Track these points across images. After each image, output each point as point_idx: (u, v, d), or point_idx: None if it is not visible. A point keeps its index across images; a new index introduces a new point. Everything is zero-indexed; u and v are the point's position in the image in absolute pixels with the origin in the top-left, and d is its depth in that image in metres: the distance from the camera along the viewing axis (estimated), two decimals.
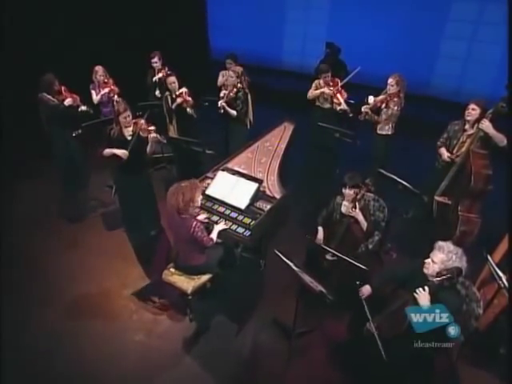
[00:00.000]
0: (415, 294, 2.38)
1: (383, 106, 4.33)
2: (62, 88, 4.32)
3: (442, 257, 2.38)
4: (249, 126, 4.79)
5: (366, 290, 2.81)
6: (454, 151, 3.77)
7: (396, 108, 4.28)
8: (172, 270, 3.20)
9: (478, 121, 3.52)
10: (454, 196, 3.76)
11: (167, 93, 4.47)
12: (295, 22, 7.60)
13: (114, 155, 3.52)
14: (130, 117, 3.54)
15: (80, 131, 4.26)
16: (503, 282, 2.67)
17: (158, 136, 3.58)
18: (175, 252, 3.17)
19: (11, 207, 4.54)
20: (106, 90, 4.69)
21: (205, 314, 3.40)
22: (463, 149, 3.66)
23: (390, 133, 4.42)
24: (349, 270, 3.13)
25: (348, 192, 3.20)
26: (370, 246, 3.56)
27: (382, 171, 3.60)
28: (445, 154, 3.77)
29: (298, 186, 5.04)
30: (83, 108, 4.35)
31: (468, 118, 3.61)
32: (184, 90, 4.43)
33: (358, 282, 2.87)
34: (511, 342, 2.64)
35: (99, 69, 4.72)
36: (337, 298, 3.20)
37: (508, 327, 2.69)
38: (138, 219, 3.99)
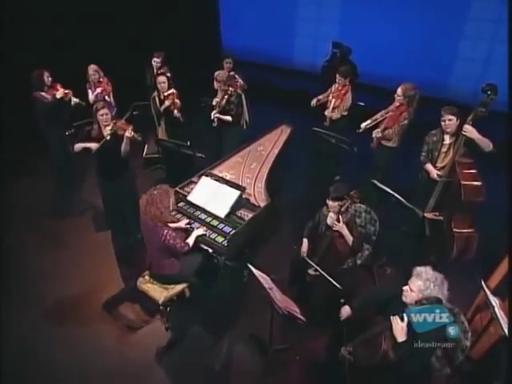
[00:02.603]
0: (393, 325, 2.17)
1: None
2: (54, 84, 4.31)
3: (420, 284, 2.16)
4: (245, 127, 4.63)
5: (346, 311, 2.62)
6: (438, 163, 3.51)
7: (406, 122, 3.95)
8: (147, 277, 3.11)
9: (457, 130, 3.27)
10: (445, 211, 3.49)
11: (155, 93, 4.38)
12: (307, 20, 7.35)
13: (86, 149, 3.47)
14: (109, 115, 3.49)
15: (73, 130, 4.24)
16: (495, 313, 2.41)
17: (134, 134, 3.45)
18: (149, 260, 3.07)
19: (3, 205, 4.55)
20: (99, 90, 4.70)
21: (182, 324, 3.29)
22: (447, 159, 3.40)
23: (395, 145, 4.11)
24: (330, 286, 2.94)
25: (331, 204, 3.00)
26: (359, 262, 3.36)
27: (376, 182, 3.37)
28: (433, 171, 3.50)
29: (297, 192, 4.89)
30: (75, 100, 4.32)
31: (448, 130, 3.35)
32: (173, 91, 4.32)
33: (341, 301, 2.69)
34: (509, 375, 2.38)
35: (90, 68, 4.70)
36: (317, 315, 3.08)
37: (507, 358, 2.44)
38: (124, 222, 3.93)
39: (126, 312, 3.40)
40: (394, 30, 6.52)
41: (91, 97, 4.74)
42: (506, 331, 2.31)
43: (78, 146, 3.48)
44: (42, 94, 4.25)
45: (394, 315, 2.21)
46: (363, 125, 4.13)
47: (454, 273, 3.56)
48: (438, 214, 3.57)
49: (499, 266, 2.84)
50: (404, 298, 2.23)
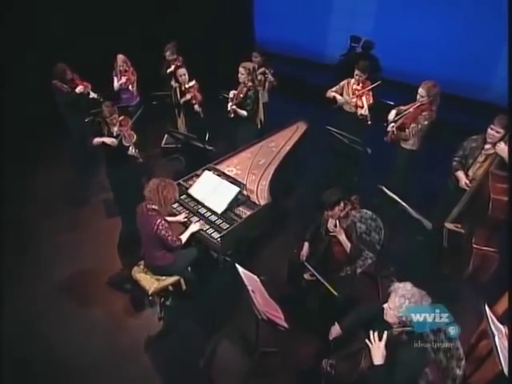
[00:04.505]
0: (370, 343, 2.02)
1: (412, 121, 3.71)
2: (74, 76, 4.48)
3: (396, 301, 1.97)
4: (260, 126, 4.51)
5: (336, 331, 2.47)
6: (470, 172, 3.24)
7: (426, 123, 3.66)
8: (141, 267, 3.14)
9: (500, 140, 2.97)
10: (467, 224, 3.23)
11: (176, 84, 4.39)
12: (342, 13, 7.03)
13: (104, 144, 3.60)
14: (117, 117, 3.63)
15: (92, 117, 4.37)
16: (494, 343, 2.17)
17: (135, 153, 3.64)
18: (143, 249, 3.10)
19: (22, 188, 4.80)
20: (124, 79, 4.81)
21: (175, 316, 3.31)
22: (482, 169, 3.12)
23: (414, 148, 3.84)
24: (325, 293, 2.83)
25: (328, 212, 2.84)
26: (359, 270, 3.20)
27: (383, 188, 3.17)
28: (463, 179, 3.24)
29: (311, 192, 4.73)
30: (93, 95, 4.47)
31: (489, 141, 3.06)
32: (194, 83, 4.32)
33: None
34: None
35: (119, 57, 4.83)
36: (312, 320, 2.97)
37: None
38: (131, 210, 4.00)
39: (122, 297, 3.47)
40: (436, 27, 6.04)
41: (116, 84, 4.88)
42: (504, 366, 2.08)
43: (97, 141, 3.61)
44: (62, 84, 4.44)
45: (374, 332, 2.05)
46: (390, 116, 3.86)
47: (466, 290, 3.36)
48: (459, 225, 3.33)
49: (509, 291, 2.56)
50: (385, 317, 2.06)
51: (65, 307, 3.38)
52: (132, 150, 3.62)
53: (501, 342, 2.21)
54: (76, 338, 3.14)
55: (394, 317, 1.98)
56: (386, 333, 1.98)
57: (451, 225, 3.36)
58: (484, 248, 3.13)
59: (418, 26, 6.22)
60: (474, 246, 3.15)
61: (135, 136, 3.70)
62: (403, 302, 1.94)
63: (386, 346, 1.95)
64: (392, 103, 5.86)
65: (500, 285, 2.83)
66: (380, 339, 1.97)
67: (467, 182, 3.22)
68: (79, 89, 4.44)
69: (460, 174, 3.29)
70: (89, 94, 4.49)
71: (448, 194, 3.53)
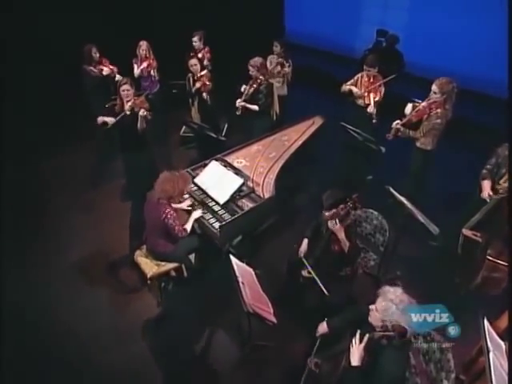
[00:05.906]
0: (351, 345, 1.97)
1: (424, 117, 3.55)
2: (102, 59, 4.63)
3: (383, 305, 1.90)
4: (275, 118, 4.46)
5: (322, 328, 2.47)
6: (501, 181, 3.04)
7: (439, 121, 3.46)
8: (143, 251, 3.22)
9: None
10: (485, 234, 3.05)
11: (190, 74, 4.43)
12: (373, 6, 6.78)
13: (105, 123, 3.65)
14: (130, 91, 3.60)
15: (112, 103, 4.49)
16: (488, 360, 2.04)
17: (147, 113, 3.59)
18: (145, 234, 3.17)
19: (43, 169, 5.04)
20: (145, 64, 4.88)
21: (174, 302, 3.37)
22: None
23: (429, 148, 3.65)
24: (321, 291, 2.78)
25: (327, 214, 2.78)
26: (360, 271, 3.12)
27: (391, 189, 3.05)
28: (487, 190, 3.05)
29: (324, 188, 4.63)
30: (118, 78, 4.58)
31: None
32: (205, 73, 4.33)
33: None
34: None
35: (143, 43, 4.89)
36: (308, 318, 2.94)
37: None
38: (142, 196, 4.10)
39: (127, 279, 3.57)
40: (473, 22, 5.67)
41: (137, 71, 4.94)
42: None
43: (99, 120, 3.67)
44: (91, 68, 4.58)
45: (358, 333, 2.00)
46: (407, 110, 3.69)
47: (473, 301, 3.19)
48: (478, 234, 3.17)
49: (508, 305, 2.40)
50: (369, 318, 2.00)
51: (73, 284, 3.53)
52: (143, 111, 3.56)
53: (496, 359, 2.08)
54: (81, 314, 3.27)
55: (378, 320, 1.92)
56: (367, 335, 1.93)
57: (469, 232, 3.20)
58: (497, 261, 2.96)
59: (454, 22, 5.87)
60: (488, 257, 2.99)
61: (147, 104, 3.70)
62: (390, 306, 1.88)
63: (367, 348, 1.90)
64: (419, 101, 5.63)
65: (506, 299, 2.68)
66: (361, 341, 1.93)
67: (490, 193, 3.04)
68: (106, 71, 4.59)
69: (485, 184, 3.10)
70: (115, 76, 4.62)
71: (472, 200, 3.35)
